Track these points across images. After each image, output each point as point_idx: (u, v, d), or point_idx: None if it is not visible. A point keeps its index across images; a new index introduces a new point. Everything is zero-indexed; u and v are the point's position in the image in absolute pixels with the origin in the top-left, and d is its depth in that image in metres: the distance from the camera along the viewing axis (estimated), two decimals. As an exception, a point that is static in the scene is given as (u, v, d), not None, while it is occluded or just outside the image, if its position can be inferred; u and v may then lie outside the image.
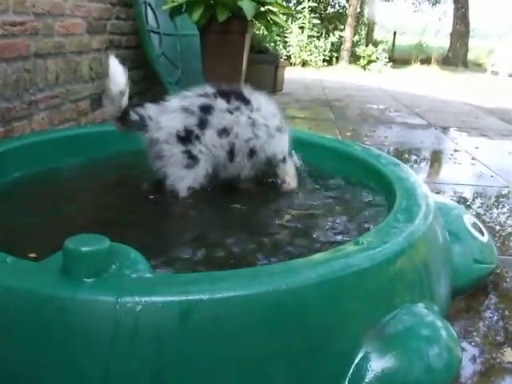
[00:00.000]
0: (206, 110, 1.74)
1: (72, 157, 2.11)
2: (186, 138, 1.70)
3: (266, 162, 1.89)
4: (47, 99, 2.70)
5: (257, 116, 1.82)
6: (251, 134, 1.80)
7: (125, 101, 1.64)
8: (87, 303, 0.95)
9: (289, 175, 1.94)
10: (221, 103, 1.77)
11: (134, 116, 1.69)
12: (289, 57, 12.32)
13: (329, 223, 1.67)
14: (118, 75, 1.58)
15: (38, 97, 2.61)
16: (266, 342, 1.01)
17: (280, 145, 1.90)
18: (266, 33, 7.41)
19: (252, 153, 1.83)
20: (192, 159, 1.71)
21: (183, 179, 1.73)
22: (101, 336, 0.94)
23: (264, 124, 1.83)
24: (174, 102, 1.78)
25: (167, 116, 1.73)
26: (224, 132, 1.75)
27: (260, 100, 1.87)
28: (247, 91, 1.86)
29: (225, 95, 1.80)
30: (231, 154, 1.78)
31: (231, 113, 1.77)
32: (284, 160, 1.92)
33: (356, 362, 1.08)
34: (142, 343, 0.94)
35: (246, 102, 1.82)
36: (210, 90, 1.81)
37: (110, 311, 0.93)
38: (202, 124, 1.73)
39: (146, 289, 0.97)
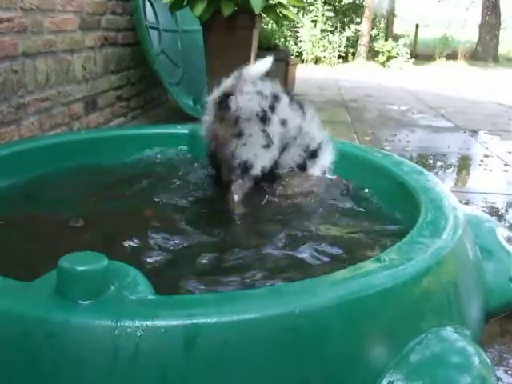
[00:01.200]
0: (276, 98, 1.94)
1: (61, 165, 2.14)
2: (264, 118, 1.88)
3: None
4: (37, 102, 2.73)
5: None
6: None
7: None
8: (83, 328, 0.95)
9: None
10: (285, 98, 1.98)
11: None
12: (300, 53, 12.38)
13: (346, 238, 1.66)
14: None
15: (27, 100, 2.64)
16: (279, 371, 1.01)
17: None
18: (275, 28, 7.45)
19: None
20: (269, 139, 1.89)
21: (258, 157, 1.88)
22: (97, 364, 0.94)
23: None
24: (248, 87, 1.92)
25: (245, 97, 1.87)
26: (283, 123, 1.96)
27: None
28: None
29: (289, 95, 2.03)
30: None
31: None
32: None
33: (379, 392, 1.08)
34: (143, 372, 0.94)
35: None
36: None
37: (108, 336, 0.93)
38: (272, 109, 1.91)
39: (148, 312, 0.97)
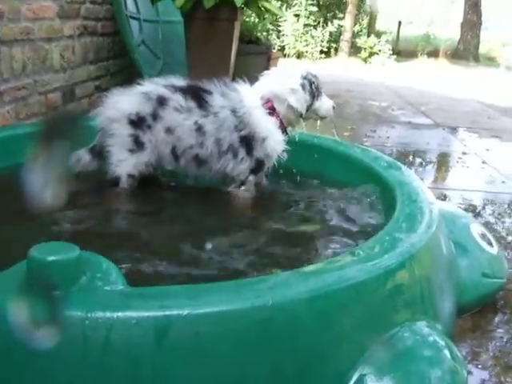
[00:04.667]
0: (162, 101, 1.87)
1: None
2: (137, 123, 1.86)
3: None
4: (13, 91, 2.69)
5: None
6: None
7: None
8: (53, 318, 0.94)
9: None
10: (177, 99, 1.87)
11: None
12: (283, 48, 12.36)
13: (322, 232, 1.67)
14: None
15: (3, 88, 2.59)
16: (252, 364, 1.01)
17: None
18: (257, 21, 7.42)
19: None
20: (137, 145, 1.87)
21: (123, 163, 1.88)
22: (68, 355, 0.94)
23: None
24: (140, 86, 1.95)
25: (125, 97, 1.91)
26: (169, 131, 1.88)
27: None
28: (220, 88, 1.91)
29: (186, 92, 1.89)
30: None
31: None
32: None
33: (350, 385, 1.08)
34: (114, 364, 0.94)
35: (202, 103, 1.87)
36: (179, 82, 1.93)
37: (79, 327, 0.93)
38: (155, 116, 1.87)
39: (119, 303, 0.97)
